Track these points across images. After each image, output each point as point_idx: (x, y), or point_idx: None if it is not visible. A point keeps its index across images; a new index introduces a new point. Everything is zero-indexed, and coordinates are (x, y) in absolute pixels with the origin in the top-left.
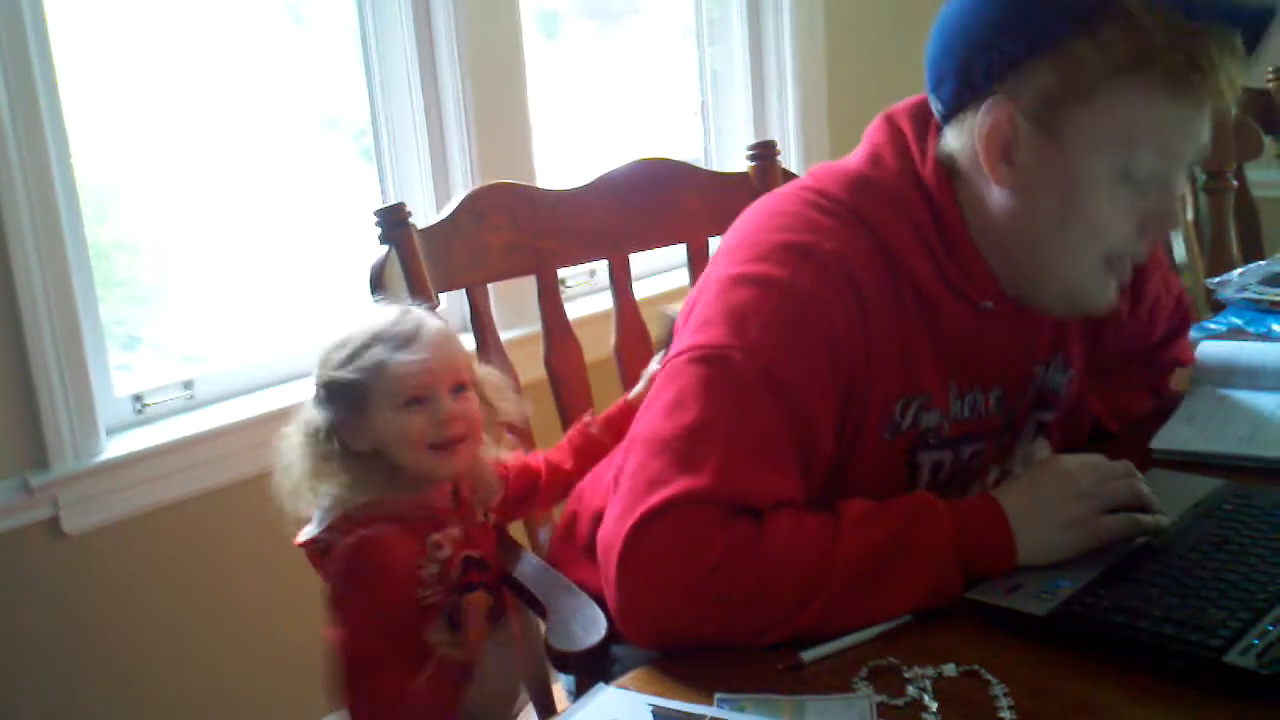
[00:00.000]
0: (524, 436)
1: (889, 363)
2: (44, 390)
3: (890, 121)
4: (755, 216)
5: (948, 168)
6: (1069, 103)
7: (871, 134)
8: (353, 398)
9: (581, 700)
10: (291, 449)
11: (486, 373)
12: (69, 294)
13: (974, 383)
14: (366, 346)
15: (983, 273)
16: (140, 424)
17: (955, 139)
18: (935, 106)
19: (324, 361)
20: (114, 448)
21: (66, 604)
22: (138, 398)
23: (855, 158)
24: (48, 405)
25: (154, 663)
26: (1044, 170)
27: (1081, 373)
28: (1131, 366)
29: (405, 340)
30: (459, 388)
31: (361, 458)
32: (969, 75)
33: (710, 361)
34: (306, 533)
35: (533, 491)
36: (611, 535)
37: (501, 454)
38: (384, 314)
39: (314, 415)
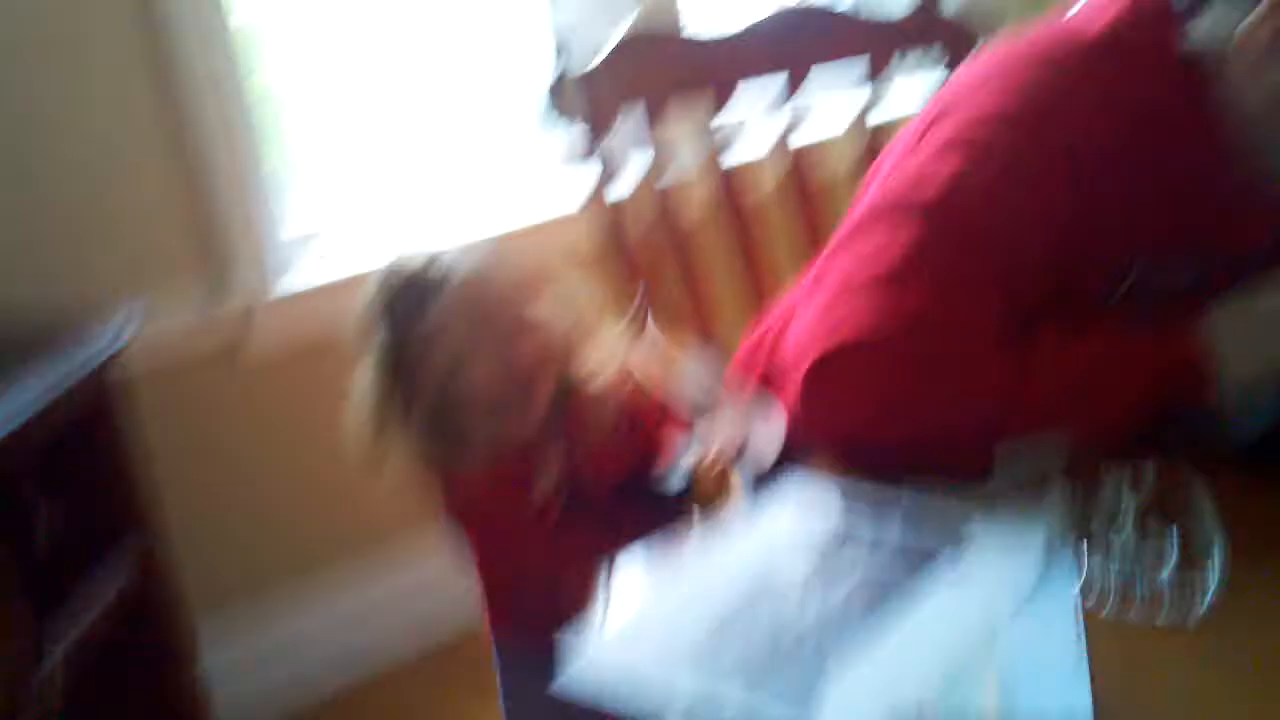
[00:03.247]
0: None
1: (1118, 226)
2: (224, 227)
3: None
4: (990, 68)
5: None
6: None
7: None
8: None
9: (766, 493)
10: (360, 394)
11: (566, 278)
12: (245, 135)
13: (1200, 254)
14: (394, 310)
15: (1233, 151)
16: (312, 256)
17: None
18: None
19: (368, 328)
20: (288, 282)
21: (245, 428)
22: (310, 233)
23: (1093, 22)
24: (227, 241)
25: (324, 484)
26: None
27: None
28: None
29: (423, 297)
30: (514, 332)
31: (433, 404)
32: None
33: (922, 214)
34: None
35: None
36: (801, 351)
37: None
38: (402, 264)
39: (379, 356)
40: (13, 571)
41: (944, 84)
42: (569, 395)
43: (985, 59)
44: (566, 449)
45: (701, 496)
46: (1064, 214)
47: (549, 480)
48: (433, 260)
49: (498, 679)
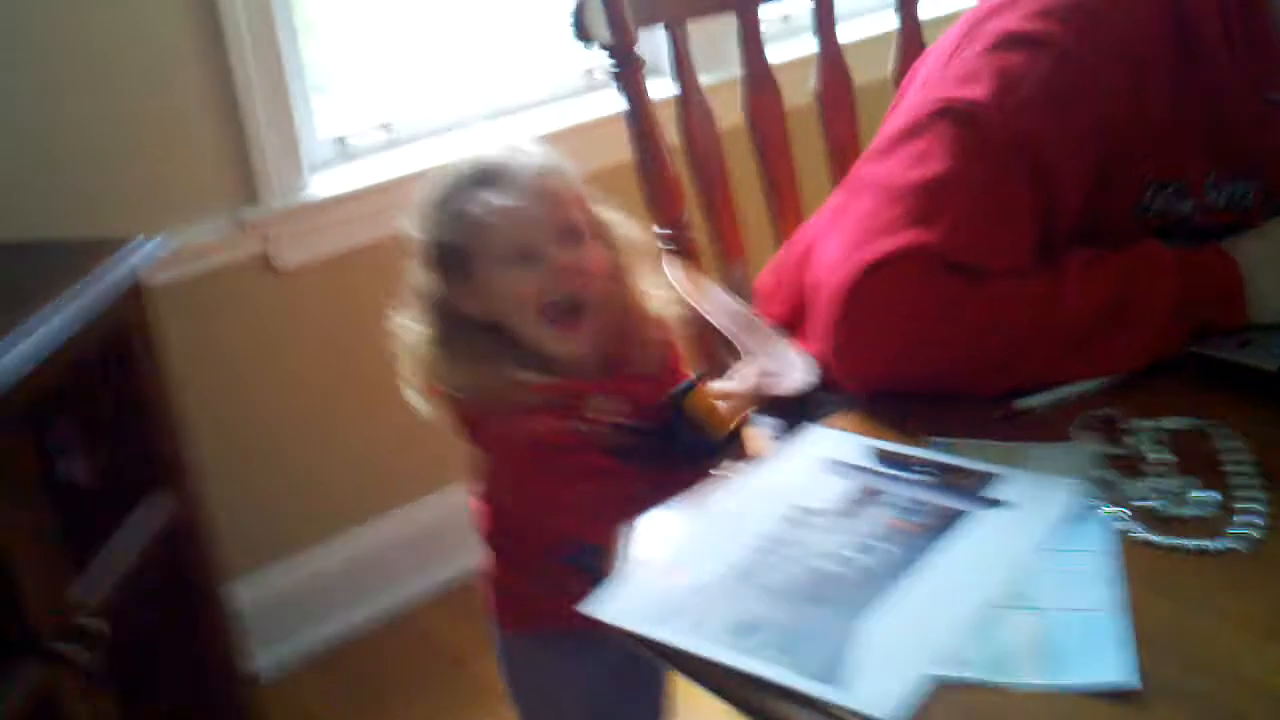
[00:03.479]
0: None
1: (1152, 143)
2: (252, 130)
3: None
4: None
5: None
6: None
7: None
8: (454, 258)
9: (795, 438)
10: (408, 327)
11: (612, 215)
12: (272, 36)
13: (1239, 175)
14: (454, 195)
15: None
16: (343, 163)
17: None
18: None
19: (418, 218)
20: (318, 186)
21: (276, 335)
22: (340, 139)
23: None
24: (256, 144)
25: (354, 393)
26: None
27: None
28: None
29: (494, 181)
30: (571, 234)
31: (481, 331)
32: None
33: (966, 119)
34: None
35: None
36: (830, 276)
37: (659, 305)
38: (476, 153)
39: (420, 282)
40: (46, 503)
41: None
42: (619, 322)
43: None
44: (610, 384)
45: (699, 412)
46: (1115, 113)
47: (592, 415)
48: (501, 150)
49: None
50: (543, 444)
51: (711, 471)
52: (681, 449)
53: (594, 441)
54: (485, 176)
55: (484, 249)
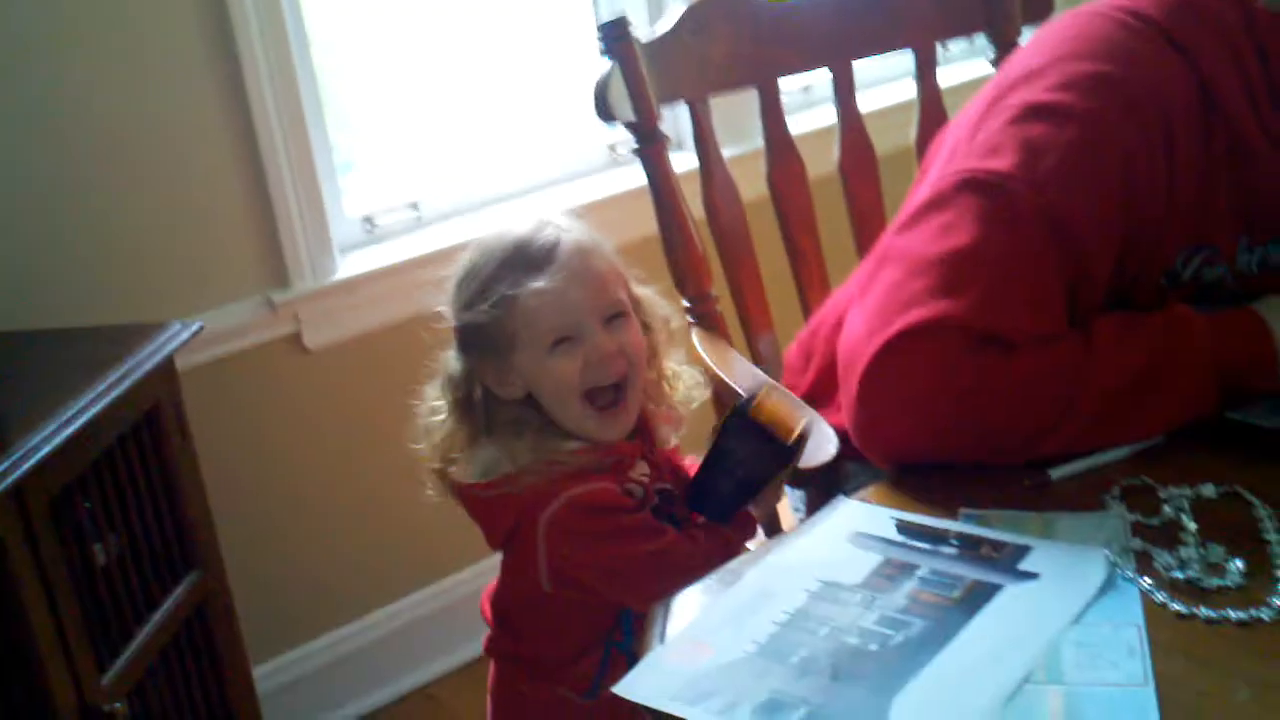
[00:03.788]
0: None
1: (1182, 209)
2: (282, 213)
3: None
4: (1060, 37)
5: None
6: None
7: None
8: (490, 341)
9: (822, 512)
10: (432, 409)
11: (644, 291)
12: (300, 120)
13: (1270, 236)
14: (495, 278)
15: None
16: (371, 243)
17: None
18: None
19: (454, 300)
20: (348, 266)
21: (307, 414)
22: (368, 219)
23: None
24: (286, 227)
25: (386, 470)
26: None
27: None
28: None
29: (538, 263)
30: (615, 315)
31: (514, 408)
32: None
33: (992, 190)
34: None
35: None
36: (858, 348)
37: (685, 387)
38: (514, 231)
39: (454, 365)
40: (73, 587)
41: (1010, 58)
42: (651, 400)
43: (1053, 29)
44: (649, 449)
45: (765, 415)
46: (1142, 181)
47: (638, 478)
48: (536, 226)
49: None
50: (605, 506)
51: (748, 544)
52: (734, 475)
53: (645, 503)
54: (526, 259)
55: (528, 333)
